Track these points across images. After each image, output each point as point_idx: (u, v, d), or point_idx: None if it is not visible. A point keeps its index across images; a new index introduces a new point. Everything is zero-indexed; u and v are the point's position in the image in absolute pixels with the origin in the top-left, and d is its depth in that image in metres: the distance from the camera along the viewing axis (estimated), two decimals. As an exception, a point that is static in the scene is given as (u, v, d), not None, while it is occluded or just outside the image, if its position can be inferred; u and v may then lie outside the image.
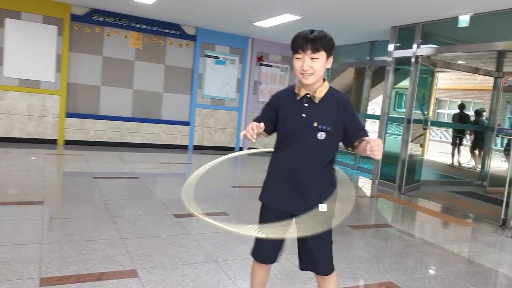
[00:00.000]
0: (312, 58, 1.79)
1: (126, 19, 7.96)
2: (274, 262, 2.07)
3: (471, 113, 11.31)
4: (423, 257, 3.67)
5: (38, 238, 3.12)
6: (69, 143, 7.79)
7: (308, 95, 1.88)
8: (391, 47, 6.69)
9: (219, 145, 9.26)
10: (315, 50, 1.78)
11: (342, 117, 1.86)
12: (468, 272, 3.43)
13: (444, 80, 18.96)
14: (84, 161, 6.49)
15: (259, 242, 2.04)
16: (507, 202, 4.90)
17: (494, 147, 8.09)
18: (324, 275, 1.97)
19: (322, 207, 1.88)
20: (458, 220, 5.22)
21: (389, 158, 6.74)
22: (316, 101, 1.87)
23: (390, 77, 6.75)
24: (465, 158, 10.74)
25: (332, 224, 1.94)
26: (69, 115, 7.77)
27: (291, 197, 1.91)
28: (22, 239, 3.10)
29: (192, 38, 8.63)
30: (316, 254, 1.93)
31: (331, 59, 1.86)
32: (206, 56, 8.83)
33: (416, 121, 6.55)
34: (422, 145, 7.36)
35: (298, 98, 1.90)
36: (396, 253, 3.72)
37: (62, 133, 7.73)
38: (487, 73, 8.23)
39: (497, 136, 7.76)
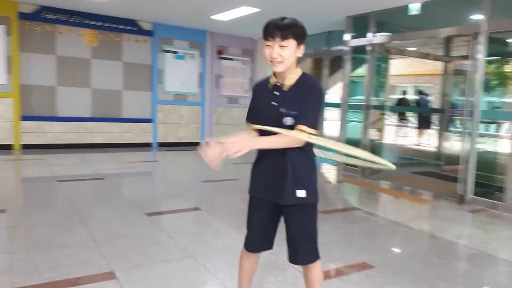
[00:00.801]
0: (281, 46, 1.77)
1: (79, 16, 7.67)
2: (266, 250, 2.07)
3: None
4: (391, 236, 3.86)
5: (5, 248, 3.00)
6: (27, 147, 7.45)
7: (278, 84, 1.88)
8: (347, 36, 6.87)
9: (184, 140, 9.18)
10: (284, 37, 1.76)
11: (303, 100, 1.82)
12: (434, 247, 3.65)
13: (396, 66, 19.69)
14: (45, 165, 6.24)
15: (252, 231, 2.05)
16: (463, 180, 5.23)
17: (448, 128, 8.54)
18: (303, 264, 2.01)
19: (300, 193, 1.87)
20: (419, 198, 5.51)
21: (352, 144, 6.94)
22: (285, 89, 1.85)
23: (348, 65, 6.95)
24: (424, 139, 11.44)
25: (314, 212, 1.95)
26: (25, 118, 7.42)
27: (270, 186, 1.93)
28: (-12, 250, 2.97)
29: (150, 33, 8.45)
30: (296, 243, 1.95)
31: (302, 47, 1.84)
32: (165, 51, 8.69)
33: (375, 107, 6.80)
34: (380, 130, 7.65)
35: (270, 87, 1.91)
36: (366, 234, 3.89)
37: (18, 137, 7.38)
38: (436, 58, 8.65)
39: (450, 117, 8.17)
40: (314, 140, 1.78)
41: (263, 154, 1.99)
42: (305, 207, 1.92)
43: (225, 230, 3.72)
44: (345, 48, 6.92)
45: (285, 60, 1.79)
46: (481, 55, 5.02)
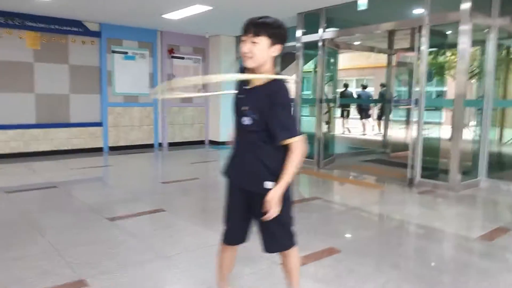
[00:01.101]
0: (253, 42, 1.80)
1: (20, 18, 7.22)
2: (243, 242, 2.10)
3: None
4: (352, 221, 4.05)
5: (-41, 266, 2.81)
6: (-35, 159, 6.93)
7: (245, 82, 1.92)
8: (299, 32, 7.05)
9: (137, 143, 8.95)
10: (256, 34, 1.79)
11: (268, 109, 1.82)
12: (391, 228, 3.88)
13: (340, 60, 20.41)
14: (-12, 177, 5.85)
15: (229, 224, 2.08)
16: (412, 165, 5.57)
17: (393, 117, 9.02)
18: (278, 252, 2.06)
19: (266, 184, 1.89)
20: (372, 184, 5.80)
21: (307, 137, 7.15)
22: (250, 86, 1.89)
23: (301, 61, 7.14)
24: (366, 129, 12.21)
25: (286, 200, 1.96)
26: (-39, 128, 6.90)
27: (240, 174, 1.99)
28: None
29: (97, 34, 8.15)
30: (265, 231, 2.00)
31: (277, 47, 1.84)
32: (114, 52, 8.42)
33: (327, 100, 7.04)
34: (330, 122, 7.92)
35: (243, 85, 1.95)
36: (328, 221, 4.05)
37: (-45, 149, 6.85)
38: (381, 51, 9.10)
39: (394, 107, 8.63)
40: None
41: (237, 151, 2.03)
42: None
43: (192, 230, 3.71)
44: (297, 44, 7.08)
45: (255, 56, 1.82)
46: (424, 47, 5.35)
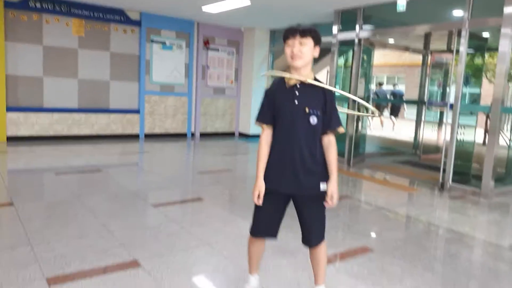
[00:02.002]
0: (301, 43, 2.03)
1: (66, 5, 7.57)
2: (273, 236, 2.25)
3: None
4: (384, 222, 4.17)
5: (25, 241, 3.10)
6: (12, 139, 7.37)
7: (297, 84, 2.08)
8: (335, 29, 7.11)
9: (171, 131, 9.26)
10: (304, 35, 2.02)
11: (325, 104, 2.09)
12: (423, 230, 3.98)
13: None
14: (37, 157, 6.23)
15: (261, 218, 2.22)
16: (443, 169, 5.61)
17: (426, 119, 8.95)
18: (316, 245, 2.23)
19: (323, 186, 2.12)
20: (403, 186, 5.87)
21: (338, 135, 7.25)
22: (305, 87, 2.08)
23: (335, 57, 7.21)
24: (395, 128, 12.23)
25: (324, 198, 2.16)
26: (10, 109, 7.33)
27: (293, 180, 2.10)
28: (7, 242, 3.07)
29: (137, 23, 8.43)
30: (312, 227, 2.19)
31: (317, 49, 2.09)
32: (153, 41, 8.69)
33: (362, 98, 7.10)
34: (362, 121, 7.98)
35: (288, 87, 2.10)
36: (361, 220, 4.18)
37: (4, 129, 7.29)
38: (416, 51, 9.03)
39: (428, 108, 8.58)
40: None
41: (282, 147, 2.12)
42: (322, 196, 2.14)
43: (231, 219, 3.92)
44: (333, 40, 7.14)
45: (304, 56, 2.04)
46: (463, 49, 5.35)
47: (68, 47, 7.80)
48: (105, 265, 2.77)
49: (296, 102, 2.07)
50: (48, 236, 3.21)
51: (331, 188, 2.12)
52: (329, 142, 2.13)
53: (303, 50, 2.02)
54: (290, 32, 2.04)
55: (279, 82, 2.16)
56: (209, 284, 2.69)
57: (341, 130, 2.12)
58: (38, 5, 7.30)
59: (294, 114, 2.07)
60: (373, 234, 3.77)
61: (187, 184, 5.25)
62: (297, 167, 2.10)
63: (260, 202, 2.13)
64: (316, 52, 2.09)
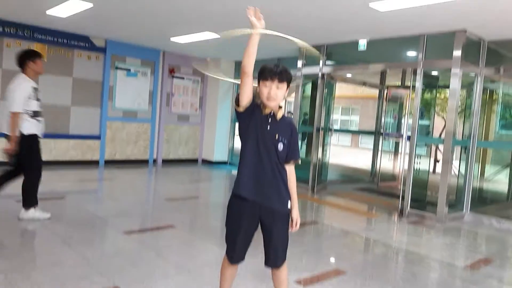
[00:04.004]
0: (278, 87, 2.20)
1: (30, 30, 7.42)
2: (242, 260, 2.35)
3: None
4: (351, 246, 4.37)
5: (2, 269, 2.96)
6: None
7: (272, 113, 2.25)
8: (299, 63, 7.49)
9: (132, 158, 9.11)
10: (281, 81, 2.20)
11: (291, 135, 2.27)
12: (388, 253, 4.22)
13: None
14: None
15: (232, 245, 2.31)
16: (402, 196, 5.98)
17: (383, 149, 9.46)
18: (281, 266, 2.34)
19: (289, 203, 2.29)
20: (366, 212, 6.16)
21: (302, 163, 7.51)
22: (277, 119, 2.26)
23: (300, 90, 7.57)
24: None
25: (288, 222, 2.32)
26: (-38, 133, 6.93)
27: (265, 194, 2.22)
28: (-24, 273, 2.91)
29: (102, 50, 8.39)
30: (278, 248, 2.30)
31: (288, 89, 2.27)
32: (117, 68, 8.66)
33: (323, 129, 7.46)
34: (324, 149, 8.33)
35: (263, 114, 2.26)
36: (331, 244, 4.35)
37: (-45, 154, 6.86)
38: (372, 86, 9.66)
39: (385, 139, 9.10)
40: None
41: (255, 161, 2.23)
42: (288, 217, 2.31)
43: (205, 246, 3.95)
44: (297, 73, 7.51)
45: (278, 98, 2.22)
46: (418, 86, 5.85)
47: (29, 70, 7.58)
48: (86, 293, 2.71)
49: (268, 128, 2.24)
50: (21, 264, 3.09)
51: (295, 213, 2.32)
52: (290, 171, 2.31)
53: (279, 94, 2.20)
54: (270, 75, 2.19)
55: (258, 107, 2.29)
56: (194, 309, 2.71)
57: (299, 161, 2.32)
58: (0, 29, 7.11)
59: (266, 137, 2.23)
60: (343, 257, 3.95)
61: (156, 212, 5.21)
62: (268, 183, 2.23)
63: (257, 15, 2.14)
64: (286, 92, 2.25)
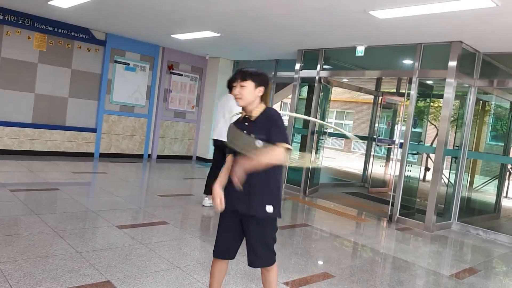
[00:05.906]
0: (241, 86, 2.27)
1: (30, 20, 7.42)
2: (231, 259, 2.43)
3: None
4: (341, 249, 4.45)
5: (-12, 259, 3.00)
6: (-42, 151, 6.95)
7: (246, 116, 2.34)
8: (297, 66, 7.56)
9: (127, 152, 9.14)
10: (243, 79, 2.28)
11: (270, 128, 2.23)
12: (377, 259, 4.30)
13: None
14: (-14, 173, 5.93)
15: (218, 240, 2.40)
16: (392, 202, 6.07)
17: (376, 154, 9.58)
18: (261, 267, 2.39)
19: (269, 208, 2.28)
20: (356, 217, 6.25)
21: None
22: (253, 119, 2.31)
23: (297, 92, 7.64)
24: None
25: (274, 224, 2.36)
26: (-42, 120, 6.94)
27: (241, 197, 2.27)
28: (-30, 261, 2.95)
29: (102, 43, 8.41)
30: (256, 249, 2.33)
31: (261, 89, 2.29)
32: (116, 62, 8.68)
33: (317, 132, 7.54)
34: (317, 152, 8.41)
35: (240, 119, 2.37)
36: (320, 247, 4.43)
37: (-51, 140, 6.86)
38: (368, 92, 9.76)
39: (377, 145, 9.21)
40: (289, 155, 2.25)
41: (233, 169, 2.30)
42: (268, 220, 2.32)
43: (197, 243, 4.01)
44: (295, 76, 7.58)
45: (244, 97, 2.28)
46: (413, 95, 5.94)
47: (27, 60, 7.58)
48: (77, 285, 2.76)
49: (245, 132, 2.30)
50: (13, 255, 3.12)
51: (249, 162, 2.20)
52: (272, 147, 2.19)
53: (243, 93, 2.26)
54: (233, 77, 2.33)
55: (237, 118, 2.42)
56: (183, 305, 2.77)
57: (286, 145, 2.17)
58: (0, 16, 7.10)
59: (242, 142, 2.28)
60: (332, 261, 4.02)
61: (149, 207, 5.25)
62: (246, 188, 2.26)
63: (222, 206, 2.27)
64: (260, 91, 2.29)
